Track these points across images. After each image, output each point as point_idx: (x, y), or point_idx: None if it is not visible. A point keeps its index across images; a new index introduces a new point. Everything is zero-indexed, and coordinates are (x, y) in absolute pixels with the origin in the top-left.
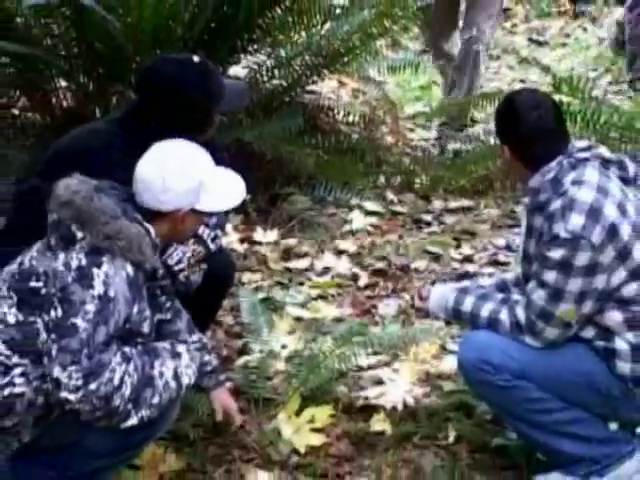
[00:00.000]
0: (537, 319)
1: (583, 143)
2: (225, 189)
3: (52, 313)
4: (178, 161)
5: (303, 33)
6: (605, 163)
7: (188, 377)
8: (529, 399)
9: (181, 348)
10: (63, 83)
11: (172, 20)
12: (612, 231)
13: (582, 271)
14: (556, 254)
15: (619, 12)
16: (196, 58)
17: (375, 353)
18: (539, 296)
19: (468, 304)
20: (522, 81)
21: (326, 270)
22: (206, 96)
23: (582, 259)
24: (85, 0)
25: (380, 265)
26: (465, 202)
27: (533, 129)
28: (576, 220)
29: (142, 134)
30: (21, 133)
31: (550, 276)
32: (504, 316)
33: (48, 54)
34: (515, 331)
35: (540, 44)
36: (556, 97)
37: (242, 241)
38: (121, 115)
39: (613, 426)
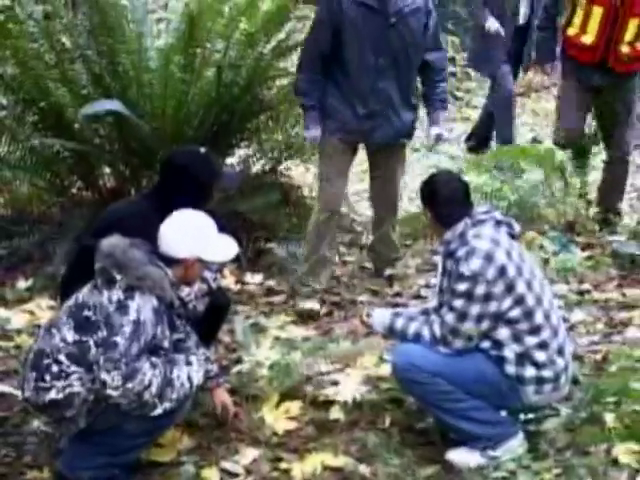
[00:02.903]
0: (448, 334)
1: (483, 208)
2: (223, 246)
3: (99, 334)
4: (189, 224)
5: (280, 133)
6: (498, 223)
7: (197, 379)
8: (442, 392)
9: (192, 358)
10: (107, 170)
11: (186, 125)
12: (501, 270)
13: (480, 299)
14: (462, 287)
15: None
16: (202, 150)
17: (332, 362)
18: (449, 318)
19: (399, 324)
20: (436, 167)
21: (297, 303)
22: (207, 177)
23: (480, 291)
24: (123, 111)
25: (336, 299)
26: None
27: (446, 200)
28: (476, 263)
29: (164, 205)
30: (78, 206)
31: (457, 303)
32: (425, 332)
33: (97, 149)
34: (433, 342)
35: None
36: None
37: (236, 282)
38: (149, 192)
39: (503, 413)
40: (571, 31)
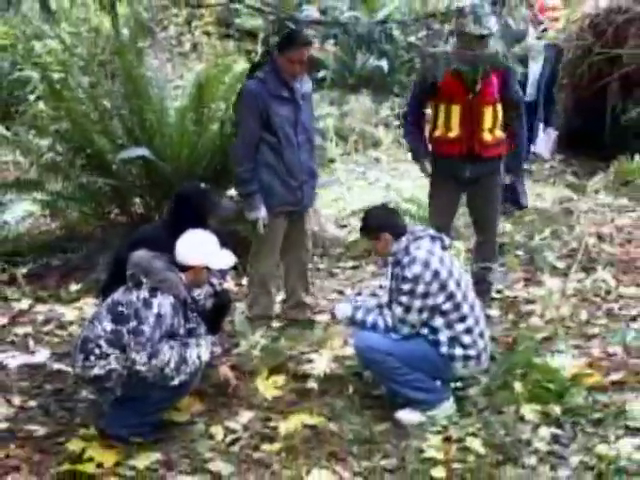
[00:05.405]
0: (397, 322)
1: (420, 227)
2: (224, 257)
3: (130, 324)
4: (198, 240)
5: None
6: (432, 238)
7: (205, 358)
8: (392, 367)
9: (201, 342)
10: (137, 200)
11: (197, 166)
12: (436, 274)
13: (420, 296)
14: (406, 287)
15: None
16: (206, 186)
17: (309, 345)
18: (398, 311)
19: (359, 315)
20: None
21: (282, 299)
22: (205, 207)
23: (420, 290)
24: (150, 156)
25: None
26: (356, 263)
27: (386, 223)
28: (416, 268)
29: (175, 228)
30: (115, 228)
31: (403, 299)
32: (380, 322)
33: (129, 185)
34: (386, 330)
35: (396, 177)
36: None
37: (235, 284)
38: (167, 217)
39: (438, 383)
40: (437, 132)
